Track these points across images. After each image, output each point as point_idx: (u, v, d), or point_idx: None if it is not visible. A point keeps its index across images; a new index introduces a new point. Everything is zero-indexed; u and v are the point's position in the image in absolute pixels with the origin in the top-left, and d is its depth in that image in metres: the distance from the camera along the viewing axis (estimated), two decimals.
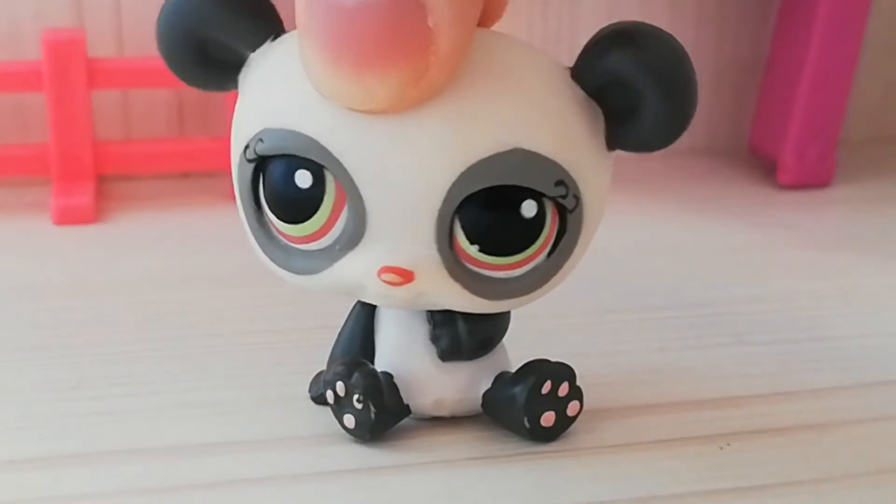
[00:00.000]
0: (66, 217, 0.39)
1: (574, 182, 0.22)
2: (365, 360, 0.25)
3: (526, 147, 0.22)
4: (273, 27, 0.23)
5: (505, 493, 0.24)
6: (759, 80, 0.47)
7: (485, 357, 0.25)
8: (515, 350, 0.26)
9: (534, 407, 0.25)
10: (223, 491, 0.24)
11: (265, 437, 0.25)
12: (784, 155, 0.44)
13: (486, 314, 0.24)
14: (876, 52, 0.48)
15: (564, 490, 0.24)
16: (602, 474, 0.24)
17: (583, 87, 0.23)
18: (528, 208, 0.22)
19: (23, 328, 0.31)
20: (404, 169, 0.22)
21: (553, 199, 0.22)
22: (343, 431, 0.25)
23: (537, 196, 0.22)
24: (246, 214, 0.24)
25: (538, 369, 0.25)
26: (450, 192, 0.22)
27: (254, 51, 0.23)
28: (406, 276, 0.23)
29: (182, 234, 0.38)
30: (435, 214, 0.22)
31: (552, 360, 0.25)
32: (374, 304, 0.25)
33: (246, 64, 0.24)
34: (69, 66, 0.39)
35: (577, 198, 0.23)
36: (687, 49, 0.22)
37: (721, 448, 0.25)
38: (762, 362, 0.29)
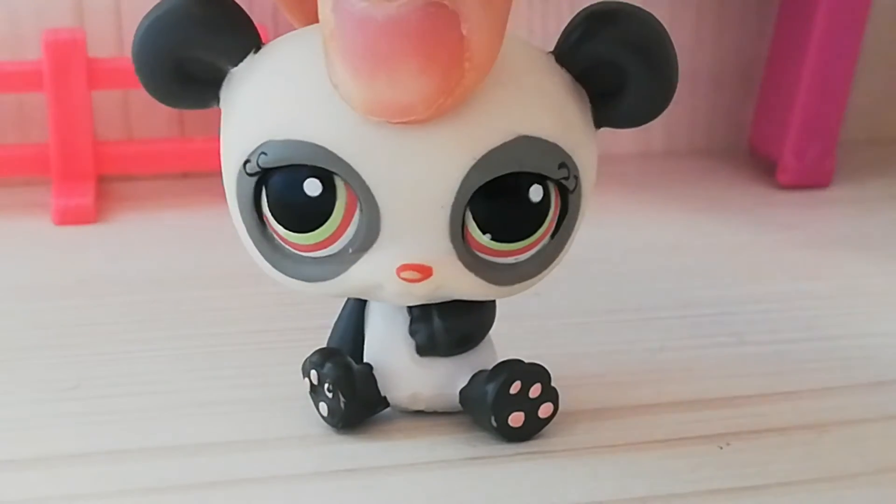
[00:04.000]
0: (66, 217, 0.39)
1: (574, 163, 0.23)
2: (340, 350, 0.25)
3: (530, 134, 0.22)
4: (252, 40, 0.23)
5: (505, 493, 0.24)
6: (759, 79, 0.47)
7: (465, 354, 0.25)
8: (515, 350, 0.26)
9: (502, 406, 0.25)
10: (223, 491, 0.24)
11: (265, 437, 0.25)
12: (784, 155, 0.44)
13: (465, 311, 0.25)
14: (876, 52, 0.48)
15: (564, 490, 0.24)
16: (602, 474, 0.24)
17: (568, 70, 0.23)
18: (535, 193, 0.23)
19: (23, 328, 0.31)
20: (417, 168, 0.22)
21: (556, 181, 0.23)
22: (344, 430, 0.25)
23: (542, 180, 0.23)
24: (247, 228, 0.24)
25: (509, 369, 0.25)
26: (462, 185, 0.22)
27: (235, 65, 0.23)
28: (425, 272, 0.23)
29: (182, 234, 0.38)
30: (448, 209, 0.22)
31: (526, 360, 0.25)
32: (392, 302, 0.25)
33: (226, 79, 0.23)
34: (69, 66, 0.39)
35: (577, 178, 0.23)
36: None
37: (721, 448, 0.25)
38: (762, 362, 0.29)
